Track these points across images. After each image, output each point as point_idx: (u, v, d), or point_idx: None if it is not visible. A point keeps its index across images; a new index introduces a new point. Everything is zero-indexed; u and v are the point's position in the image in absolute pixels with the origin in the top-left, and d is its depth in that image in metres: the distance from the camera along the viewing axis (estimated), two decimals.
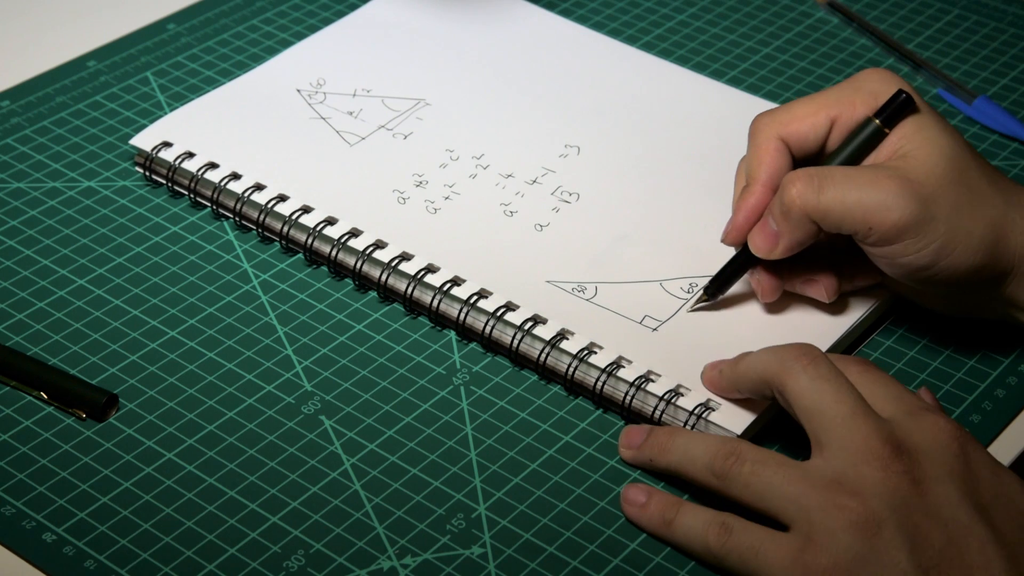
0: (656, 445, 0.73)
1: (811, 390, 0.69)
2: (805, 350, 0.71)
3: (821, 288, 0.79)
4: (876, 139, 0.76)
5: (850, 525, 0.66)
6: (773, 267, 0.79)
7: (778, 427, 0.74)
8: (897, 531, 0.65)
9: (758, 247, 0.77)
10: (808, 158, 0.79)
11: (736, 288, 0.81)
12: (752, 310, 0.80)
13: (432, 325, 0.81)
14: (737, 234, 0.79)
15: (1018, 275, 0.76)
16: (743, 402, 0.75)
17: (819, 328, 0.79)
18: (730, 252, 0.80)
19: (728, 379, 0.74)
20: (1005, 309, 0.78)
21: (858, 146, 0.77)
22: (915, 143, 0.76)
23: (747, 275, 0.80)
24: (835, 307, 0.80)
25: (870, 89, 0.78)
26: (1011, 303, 0.78)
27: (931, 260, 0.75)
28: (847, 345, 0.80)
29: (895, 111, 0.76)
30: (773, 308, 0.80)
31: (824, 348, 0.78)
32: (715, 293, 0.80)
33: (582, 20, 1.03)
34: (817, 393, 0.69)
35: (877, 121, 0.76)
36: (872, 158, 0.77)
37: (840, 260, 0.80)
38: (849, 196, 0.74)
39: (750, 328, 0.79)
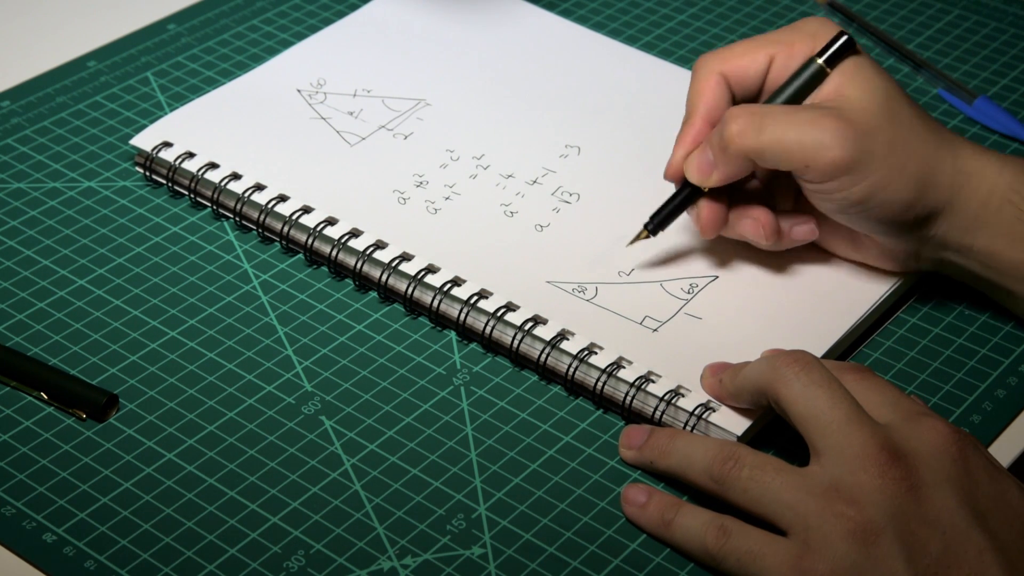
0: (656, 448, 0.73)
1: (804, 397, 0.69)
2: (797, 356, 0.71)
3: (759, 225, 0.80)
4: (818, 78, 0.78)
5: (848, 534, 0.66)
6: (713, 199, 0.80)
7: (778, 430, 0.74)
8: (895, 539, 0.65)
9: (693, 174, 0.79)
10: (748, 95, 0.81)
11: (736, 290, 0.81)
12: (752, 311, 0.80)
13: (432, 325, 0.81)
14: (677, 167, 0.80)
15: (947, 214, 0.77)
16: None
17: (820, 329, 0.79)
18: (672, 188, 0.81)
19: (727, 390, 0.74)
20: (938, 253, 0.79)
21: (801, 85, 0.79)
22: (853, 83, 0.78)
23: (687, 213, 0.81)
24: (835, 308, 0.80)
25: (810, 31, 0.80)
26: (942, 245, 0.79)
27: (866, 195, 0.76)
28: (848, 345, 0.80)
29: (837, 52, 0.78)
30: (774, 308, 0.80)
31: (825, 348, 0.78)
32: (656, 229, 0.81)
33: (582, 20, 1.03)
34: (811, 400, 0.69)
35: (820, 61, 0.78)
36: (812, 97, 0.79)
37: (775, 209, 0.81)
38: (788, 135, 0.76)
39: (750, 329, 0.79)
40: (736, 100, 0.81)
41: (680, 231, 0.84)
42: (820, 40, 0.79)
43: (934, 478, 0.67)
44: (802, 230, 0.81)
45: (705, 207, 0.80)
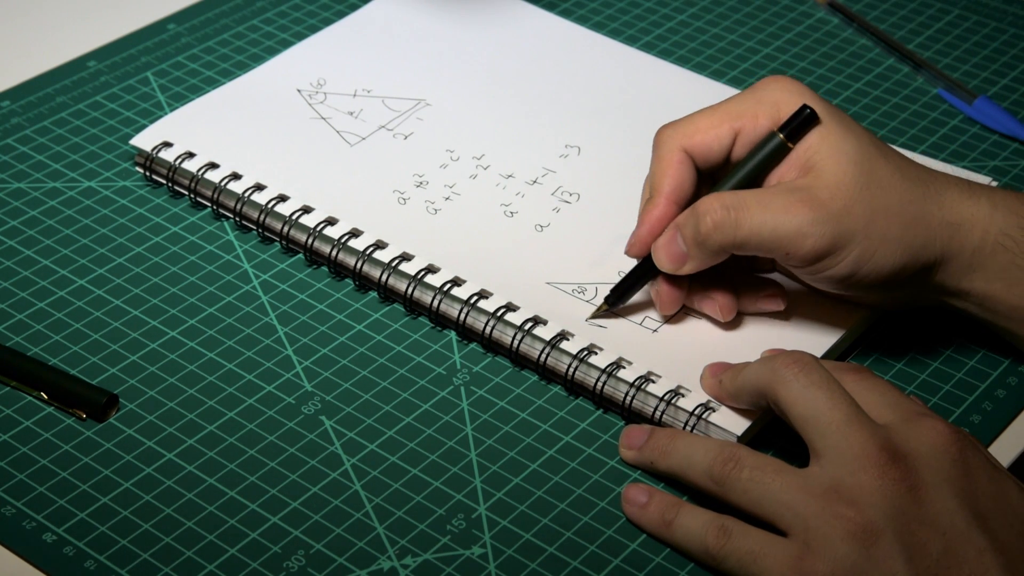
0: (656, 448, 0.73)
1: (804, 398, 0.69)
2: (796, 357, 0.70)
3: (716, 306, 0.78)
4: (780, 153, 0.76)
5: (848, 535, 0.66)
6: (673, 280, 0.78)
7: (778, 430, 0.74)
8: (894, 540, 0.65)
9: (663, 263, 0.77)
10: (712, 169, 0.78)
11: None
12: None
13: (432, 325, 0.81)
14: (641, 246, 0.78)
15: (944, 263, 0.76)
16: None
17: (820, 329, 0.79)
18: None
19: (727, 390, 0.74)
20: (936, 296, 0.78)
21: (762, 160, 0.76)
22: (821, 153, 0.75)
23: (647, 286, 0.80)
24: (835, 308, 0.80)
25: (772, 100, 0.77)
26: (941, 291, 0.78)
27: (852, 269, 0.75)
28: (848, 344, 0.80)
29: (799, 125, 0.76)
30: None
31: (824, 349, 0.78)
32: (616, 302, 0.79)
33: (582, 20, 1.03)
34: (811, 401, 0.69)
35: (781, 136, 0.76)
36: (780, 169, 0.76)
37: (740, 280, 0.80)
38: (765, 228, 0.74)
39: (750, 329, 0.79)
40: (700, 173, 0.78)
41: None
42: (783, 111, 0.76)
43: (934, 479, 0.67)
44: (769, 303, 0.79)
45: (665, 287, 0.78)
